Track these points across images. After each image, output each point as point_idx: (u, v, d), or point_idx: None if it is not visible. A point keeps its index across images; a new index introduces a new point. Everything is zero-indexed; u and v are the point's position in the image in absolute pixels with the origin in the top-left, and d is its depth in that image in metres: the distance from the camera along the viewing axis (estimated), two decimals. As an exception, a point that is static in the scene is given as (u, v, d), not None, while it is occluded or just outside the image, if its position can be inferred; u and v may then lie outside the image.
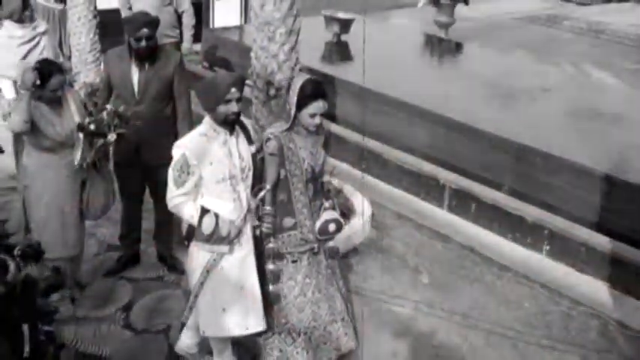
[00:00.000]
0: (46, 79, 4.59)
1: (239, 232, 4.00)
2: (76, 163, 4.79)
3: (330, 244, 4.33)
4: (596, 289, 5.53)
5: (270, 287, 4.20)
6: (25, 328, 4.01)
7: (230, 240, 3.98)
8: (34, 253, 3.53)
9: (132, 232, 5.64)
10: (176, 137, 5.36)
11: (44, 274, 3.61)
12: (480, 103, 7.44)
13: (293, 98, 4.07)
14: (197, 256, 4.08)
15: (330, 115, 7.39)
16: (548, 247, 5.91)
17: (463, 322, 5.13)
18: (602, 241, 5.66)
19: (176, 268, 5.61)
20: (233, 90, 3.85)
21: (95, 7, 8.11)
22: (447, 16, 10.43)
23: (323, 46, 9.20)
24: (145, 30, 5.01)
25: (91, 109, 4.89)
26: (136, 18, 5.23)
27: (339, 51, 9.21)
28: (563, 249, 5.81)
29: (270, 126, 4.31)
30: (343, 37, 9.34)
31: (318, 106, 4.06)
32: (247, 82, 7.18)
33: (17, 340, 3.90)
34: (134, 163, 5.31)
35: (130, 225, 5.62)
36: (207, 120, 3.98)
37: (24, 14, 6.20)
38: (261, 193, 4.06)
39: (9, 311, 3.57)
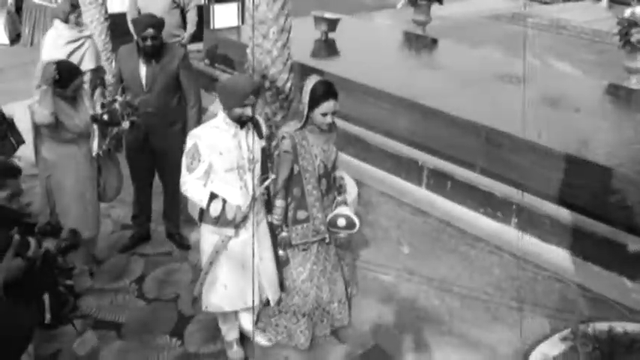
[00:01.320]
0: (68, 81, 4.57)
1: (244, 218, 3.95)
2: (93, 152, 4.77)
3: (341, 236, 4.28)
4: (558, 256, 5.54)
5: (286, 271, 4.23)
6: (46, 297, 4.01)
7: (235, 224, 3.94)
8: (52, 230, 3.53)
9: (143, 213, 5.62)
10: (184, 126, 5.35)
11: (64, 235, 3.59)
12: (454, 91, 7.42)
13: (305, 98, 4.01)
14: (207, 238, 4.06)
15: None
16: (516, 220, 5.91)
17: (441, 288, 5.14)
18: (564, 214, 5.67)
19: (183, 244, 5.61)
20: (251, 97, 3.82)
21: (106, 11, 8.06)
22: (423, 16, 10.41)
23: (312, 43, 9.15)
24: (150, 30, 4.99)
25: (103, 102, 4.87)
26: (143, 19, 5.21)
27: (327, 47, 9.17)
28: (530, 221, 5.81)
29: (284, 125, 4.24)
30: (330, 35, 9.31)
31: (329, 105, 3.99)
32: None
33: (39, 308, 3.91)
34: (144, 150, 5.29)
35: (141, 206, 5.60)
36: (221, 114, 3.93)
37: (70, 17, 6.16)
38: (266, 182, 4.01)
39: (30, 282, 3.56)
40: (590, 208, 5.61)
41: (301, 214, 4.14)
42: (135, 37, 5.28)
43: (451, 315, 4.84)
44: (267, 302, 4.27)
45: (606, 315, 4.69)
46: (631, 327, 4.29)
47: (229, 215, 3.91)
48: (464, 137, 6.49)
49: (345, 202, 4.25)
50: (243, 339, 4.47)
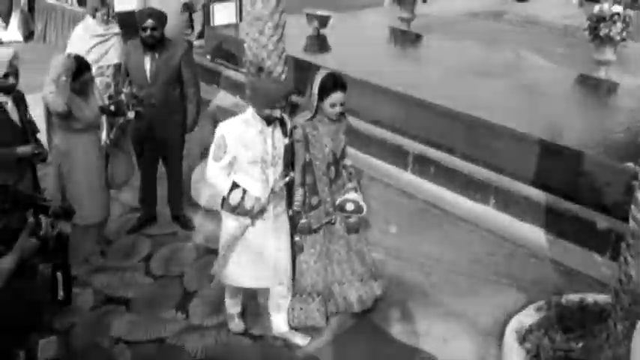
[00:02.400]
0: (78, 73, 4.51)
1: (262, 210, 3.88)
2: (102, 142, 4.73)
3: (351, 220, 4.21)
4: (534, 233, 5.53)
5: (300, 257, 4.17)
6: (59, 275, 3.97)
7: (253, 214, 3.87)
8: (64, 213, 3.48)
9: (149, 197, 5.58)
10: (184, 117, 5.30)
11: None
12: (436, 82, 7.37)
13: (315, 90, 3.94)
14: (227, 224, 4.01)
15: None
16: (494, 201, 5.90)
17: (425, 264, 5.13)
18: (538, 195, 5.66)
19: (187, 225, 5.57)
20: (281, 102, 3.79)
21: (114, 9, 7.96)
22: (408, 13, 10.36)
23: (305, 38, 9.08)
24: (149, 21, 4.94)
25: (111, 93, 4.81)
26: (143, 11, 5.16)
27: (319, 43, 9.09)
28: (507, 201, 5.81)
29: (296, 116, 4.15)
30: (322, 31, 9.25)
31: (337, 97, 3.93)
32: (242, 70, 7.14)
33: (52, 285, 3.87)
34: (148, 139, 5.24)
35: (147, 190, 5.56)
36: (251, 110, 3.84)
37: (97, 13, 6.16)
38: (286, 179, 3.94)
39: (44, 261, 3.53)
40: (562, 189, 5.60)
41: (314, 200, 4.08)
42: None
43: (435, 288, 4.84)
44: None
45: (578, 287, 4.69)
46: (600, 298, 4.28)
47: (247, 205, 3.83)
48: (446, 125, 6.46)
49: (354, 189, 4.20)
50: (244, 312, 4.45)
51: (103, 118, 4.78)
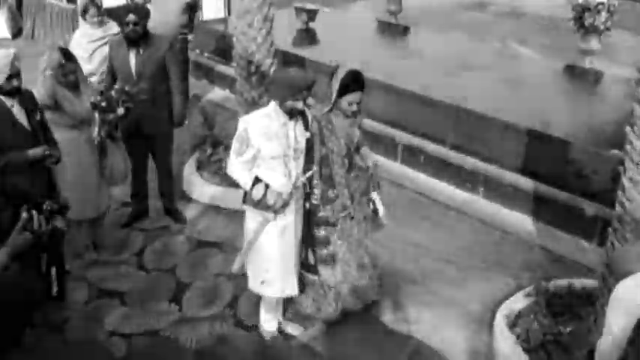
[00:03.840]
0: (63, 65, 4.50)
1: (285, 204, 3.83)
2: (93, 138, 4.70)
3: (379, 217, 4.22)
4: (522, 221, 5.57)
5: (324, 251, 4.09)
6: (53, 270, 3.96)
7: (275, 209, 3.81)
8: (59, 208, 3.46)
9: (141, 191, 5.57)
10: (171, 112, 5.28)
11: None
12: (424, 74, 7.39)
13: (335, 86, 3.90)
14: (249, 220, 3.95)
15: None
16: (483, 190, 5.93)
17: (415, 252, 5.16)
18: (526, 183, 5.70)
19: (179, 218, 5.57)
20: (304, 92, 3.69)
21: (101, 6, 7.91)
22: (396, 5, 10.32)
23: (294, 32, 9.07)
24: (132, 16, 4.92)
25: (101, 89, 4.79)
26: (125, 6, 5.15)
27: (307, 36, 9.09)
28: (496, 190, 5.84)
29: (312, 108, 4.09)
30: (310, 25, 9.24)
31: (355, 96, 3.91)
32: (231, 64, 7.13)
33: (46, 281, 3.86)
34: (137, 135, 5.21)
35: (139, 185, 5.54)
36: (273, 104, 3.77)
37: (85, 15, 6.04)
38: (308, 173, 3.89)
39: (38, 256, 3.52)
40: (550, 177, 5.64)
41: (331, 193, 4.03)
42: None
43: (425, 277, 4.87)
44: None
45: (566, 273, 4.72)
46: (588, 283, 4.33)
47: (270, 201, 3.77)
48: (435, 115, 6.48)
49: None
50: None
51: (96, 114, 4.74)
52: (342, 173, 4.05)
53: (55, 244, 4.05)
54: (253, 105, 5.75)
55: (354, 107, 3.95)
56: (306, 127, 3.90)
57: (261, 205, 3.80)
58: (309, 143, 3.92)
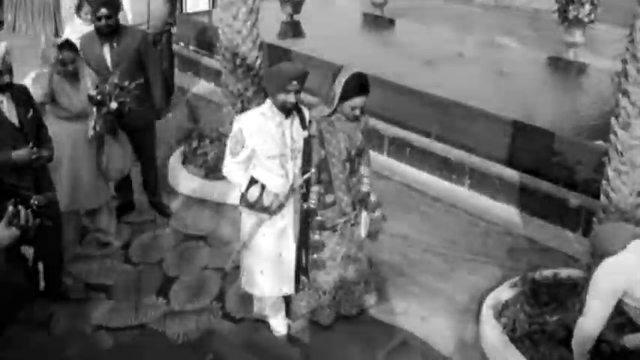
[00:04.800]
0: (59, 52, 4.42)
1: (282, 206, 3.75)
2: (88, 134, 4.63)
3: (373, 228, 4.19)
4: (508, 212, 5.60)
5: (315, 255, 4.01)
6: (40, 266, 3.92)
7: (272, 211, 3.74)
8: (47, 203, 3.41)
9: (125, 185, 5.51)
10: (152, 104, 5.22)
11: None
12: (410, 66, 7.41)
13: (338, 89, 3.78)
14: (245, 220, 3.88)
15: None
16: (469, 181, 5.96)
17: (403, 244, 5.17)
18: (511, 174, 5.73)
19: (165, 212, 5.54)
20: (294, 83, 3.56)
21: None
22: (381, -3, 10.35)
23: (279, 24, 9.05)
24: (103, 10, 4.82)
25: (97, 82, 4.72)
26: (96, 0, 5.01)
27: (292, 28, 9.08)
28: (481, 182, 5.87)
29: (312, 109, 3.98)
30: (295, 17, 9.22)
31: (359, 101, 3.80)
32: (217, 57, 7.09)
33: (33, 276, 3.82)
34: (120, 128, 5.15)
35: (123, 178, 5.47)
36: (267, 102, 3.70)
37: (80, 12, 5.90)
38: (306, 175, 3.79)
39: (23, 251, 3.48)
40: (535, 169, 5.68)
41: (329, 198, 3.94)
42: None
43: (412, 268, 4.88)
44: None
45: (551, 263, 4.76)
46: (573, 272, 4.37)
47: (266, 202, 3.69)
48: (420, 107, 6.49)
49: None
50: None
51: (93, 108, 4.67)
52: (343, 178, 3.95)
53: (44, 240, 3.99)
54: (239, 97, 5.75)
55: (357, 112, 3.85)
56: (304, 126, 3.80)
57: (257, 206, 3.73)
58: (308, 143, 3.82)
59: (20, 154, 3.87)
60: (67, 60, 4.47)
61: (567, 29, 8.42)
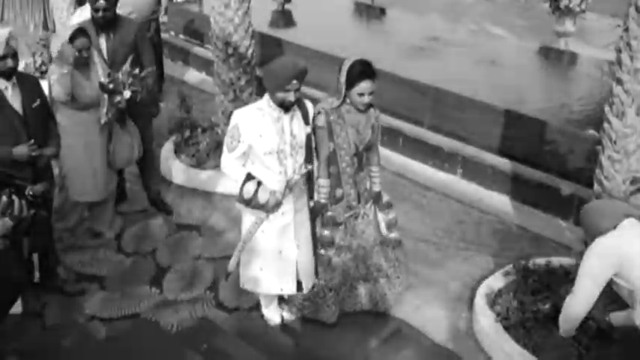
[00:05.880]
0: (71, 40, 4.36)
1: (279, 203, 3.65)
2: (101, 121, 4.59)
3: (392, 235, 4.17)
4: (500, 201, 5.61)
5: (322, 251, 3.95)
6: (35, 257, 3.89)
7: (268, 208, 3.64)
8: (42, 193, 3.39)
9: (118, 175, 5.48)
10: (154, 96, 5.19)
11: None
12: (402, 55, 7.38)
13: (343, 77, 3.71)
14: (244, 218, 3.81)
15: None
16: (461, 170, 5.96)
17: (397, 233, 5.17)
18: (504, 163, 5.73)
19: (166, 210, 5.47)
20: (294, 82, 3.49)
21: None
22: (372, -14, 10.32)
23: (270, 14, 9.00)
24: (101, 1, 4.77)
25: (109, 71, 4.67)
26: None
27: (284, 17, 9.03)
28: (474, 171, 5.88)
29: (321, 100, 3.93)
30: (287, 6, 9.17)
31: (365, 86, 3.70)
32: (208, 46, 7.04)
33: (28, 267, 3.80)
34: (116, 119, 5.12)
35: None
36: (266, 97, 3.61)
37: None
38: (303, 170, 3.71)
39: (19, 241, 3.45)
40: (527, 157, 5.69)
41: (338, 193, 3.87)
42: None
43: (406, 257, 4.87)
44: (300, 287, 3.95)
45: (544, 251, 4.79)
46: (565, 261, 4.39)
47: (261, 199, 3.58)
48: (413, 97, 6.48)
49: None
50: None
51: (105, 96, 4.62)
52: (351, 172, 3.90)
53: (40, 230, 3.95)
54: (231, 86, 5.72)
55: (366, 98, 3.74)
56: (306, 121, 3.73)
57: (252, 203, 3.62)
58: (310, 138, 3.75)
59: (20, 151, 3.81)
60: (82, 47, 4.39)
61: (558, 19, 8.44)
